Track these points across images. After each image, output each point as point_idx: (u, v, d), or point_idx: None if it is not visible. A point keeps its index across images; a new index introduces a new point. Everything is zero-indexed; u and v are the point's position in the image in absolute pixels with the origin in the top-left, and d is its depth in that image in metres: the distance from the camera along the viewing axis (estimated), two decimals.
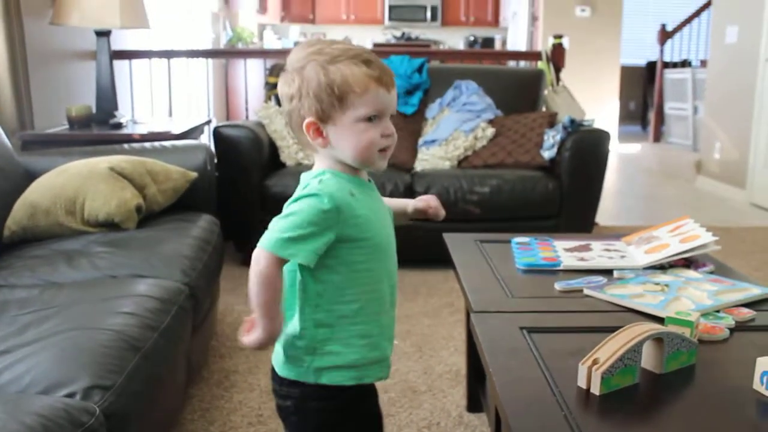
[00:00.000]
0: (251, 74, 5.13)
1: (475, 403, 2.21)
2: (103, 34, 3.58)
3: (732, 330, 1.45)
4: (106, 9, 3.39)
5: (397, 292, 1.35)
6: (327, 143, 1.23)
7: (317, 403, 1.27)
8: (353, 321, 1.25)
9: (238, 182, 3.56)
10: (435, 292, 3.29)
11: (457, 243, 2.13)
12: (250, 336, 1.21)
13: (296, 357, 1.27)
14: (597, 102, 7.81)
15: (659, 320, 1.43)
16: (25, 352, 1.50)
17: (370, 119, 1.22)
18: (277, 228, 1.18)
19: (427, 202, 1.49)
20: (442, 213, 1.49)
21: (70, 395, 1.37)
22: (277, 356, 1.32)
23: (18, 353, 1.49)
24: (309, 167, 3.90)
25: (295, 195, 1.22)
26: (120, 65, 4.18)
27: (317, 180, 1.23)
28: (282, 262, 1.19)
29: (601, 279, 1.74)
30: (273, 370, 1.33)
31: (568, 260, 1.90)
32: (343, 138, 1.22)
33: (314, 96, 1.19)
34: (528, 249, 2.02)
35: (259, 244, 1.19)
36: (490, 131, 3.91)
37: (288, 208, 1.21)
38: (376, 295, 1.27)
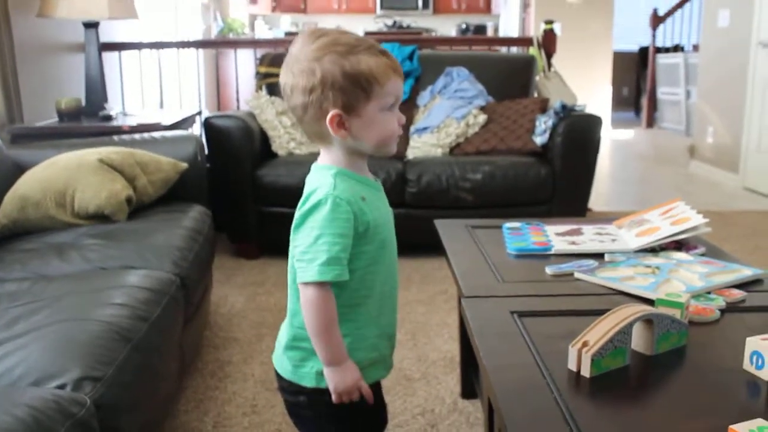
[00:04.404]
0: (242, 64, 5.11)
1: (469, 390, 2.21)
2: (91, 25, 3.57)
3: (723, 311, 1.45)
4: (94, 0, 3.36)
5: (398, 292, 1.35)
6: (348, 135, 1.21)
7: (330, 397, 1.27)
8: (356, 324, 1.26)
9: (230, 173, 3.55)
10: (429, 280, 3.29)
11: (448, 229, 2.12)
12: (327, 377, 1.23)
13: (299, 360, 1.28)
14: (589, 88, 7.80)
15: (650, 302, 1.43)
16: (15, 344, 1.49)
17: (389, 108, 1.22)
18: (313, 256, 1.17)
19: None
20: None
21: (61, 387, 1.36)
22: (278, 358, 1.33)
23: (8, 346, 1.49)
24: (300, 157, 3.86)
25: (311, 201, 1.20)
26: (109, 57, 4.16)
27: (331, 183, 1.21)
28: (327, 284, 1.18)
29: (592, 262, 1.74)
30: (275, 368, 1.34)
31: (560, 244, 1.90)
32: (368, 128, 1.21)
33: (340, 87, 1.18)
34: (519, 234, 2.01)
35: (302, 280, 1.19)
36: (482, 118, 3.90)
37: (309, 223, 1.19)
38: (376, 298, 1.28)
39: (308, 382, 1.27)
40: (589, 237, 1.97)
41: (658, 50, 9.04)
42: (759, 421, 0.92)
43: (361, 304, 1.26)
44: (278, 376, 1.34)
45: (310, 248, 1.17)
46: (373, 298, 1.27)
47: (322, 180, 1.23)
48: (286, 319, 1.32)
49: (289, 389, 1.31)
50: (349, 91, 1.18)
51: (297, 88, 1.20)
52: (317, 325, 1.20)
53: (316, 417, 1.31)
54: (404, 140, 3.91)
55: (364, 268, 1.24)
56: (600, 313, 1.26)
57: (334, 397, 1.24)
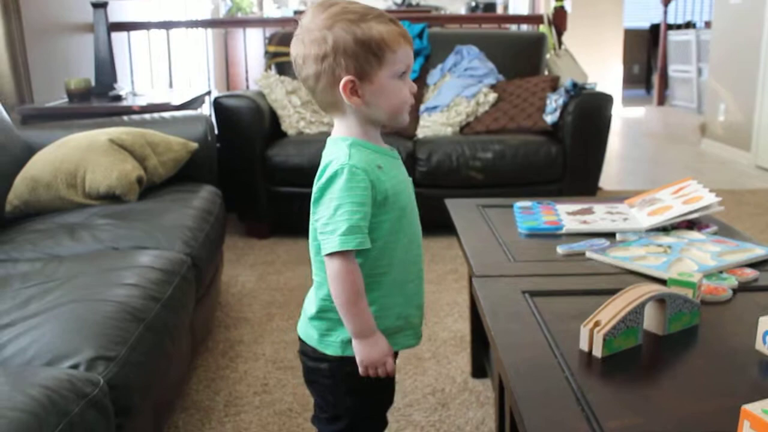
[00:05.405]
0: (251, 44, 5.09)
1: (479, 369, 2.22)
2: (100, 5, 3.56)
3: (735, 290, 1.44)
4: None
5: (423, 260, 1.36)
6: (362, 102, 1.22)
7: (352, 368, 1.28)
8: (380, 293, 1.26)
9: (240, 152, 3.55)
10: (439, 260, 3.29)
11: (458, 208, 2.12)
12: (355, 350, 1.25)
13: (325, 329, 1.29)
14: (600, 66, 7.74)
15: (662, 282, 1.42)
16: (28, 324, 1.50)
17: (400, 76, 1.23)
18: (334, 227, 1.17)
19: None
20: None
21: (74, 366, 1.37)
22: (304, 325, 1.34)
23: (21, 326, 1.50)
24: (310, 136, 3.84)
25: (328, 173, 1.20)
26: (118, 37, 4.15)
27: (346, 153, 1.21)
28: (350, 254, 1.19)
29: (603, 242, 1.74)
30: (299, 335, 1.36)
31: (571, 224, 1.89)
32: (380, 96, 1.22)
33: (352, 53, 1.18)
34: (530, 213, 2.01)
35: (325, 252, 1.19)
36: (492, 96, 3.88)
37: (328, 195, 1.19)
38: (399, 266, 1.28)
39: (333, 351, 1.29)
40: (601, 216, 1.96)
41: (670, 27, 8.96)
42: None
43: (385, 273, 1.26)
44: (302, 342, 1.35)
45: (330, 219, 1.18)
46: (395, 266, 1.27)
47: (338, 152, 1.23)
48: (312, 290, 1.33)
49: (312, 355, 1.32)
50: (361, 57, 1.18)
51: (309, 57, 1.20)
52: (344, 297, 1.21)
53: (335, 386, 1.32)
54: (414, 119, 3.90)
55: (384, 237, 1.24)
56: (612, 292, 1.25)
57: (360, 369, 1.25)
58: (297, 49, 1.23)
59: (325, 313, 1.28)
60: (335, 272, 1.20)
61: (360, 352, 1.24)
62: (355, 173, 1.18)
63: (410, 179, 1.34)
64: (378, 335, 1.24)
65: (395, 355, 1.38)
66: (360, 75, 1.19)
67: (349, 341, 1.26)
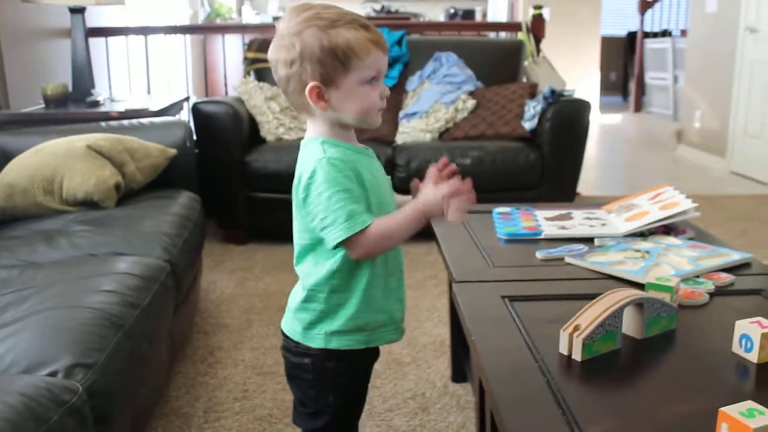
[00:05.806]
0: (230, 50, 5.08)
1: (459, 373, 2.23)
2: (78, 11, 3.53)
3: (712, 295, 1.46)
4: None
5: (402, 254, 1.37)
6: (328, 107, 1.24)
7: (335, 363, 1.30)
8: (364, 286, 1.28)
9: (219, 159, 3.53)
10: (419, 265, 3.30)
11: None
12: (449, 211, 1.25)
13: (308, 322, 1.30)
14: (578, 73, 7.79)
15: (640, 286, 1.44)
16: (5, 332, 1.48)
17: (369, 81, 1.24)
18: (334, 217, 1.18)
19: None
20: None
21: (53, 374, 1.36)
22: (288, 320, 1.35)
23: None
24: (289, 142, 3.84)
25: (307, 172, 1.21)
26: (96, 42, 4.12)
27: (320, 150, 1.23)
28: (358, 234, 1.19)
29: (582, 247, 1.75)
30: (283, 330, 1.37)
31: (550, 229, 1.90)
32: (346, 101, 1.24)
33: (318, 60, 1.20)
34: (509, 219, 2.02)
35: (334, 242, 1.19)
36: (471, 103, 3.90)
37: (314, 192, 1.20)
38: (383, 258, 1.29)
39: (317, 344, 1.29)
40: (579, 221, 1.98)
41: (647, 35, 9.06)
42: (749, 404, 0.93)
43: (365, 266, 1.27)
44: (285, 337, 1.36)
45: (327, 212, 1.19)
46: (377, 259, 1.28)
47: (312, 151, 1.25)
48: (298, 283, 1.34)
49: (295, 350, 1.33)
50: (327, 64, 1.20)
51: (280, 61, 1.23)
52: (391, 244, 1.24)
53: (317, 380, 1.33)
54: (393, 125, 3.91)
55: None
56: (590, 297, 1.26)
57: (453, 214, 1.25)
58: (272, 53, 1.26)
59: (310, 304, 1.29)
60: (362, 252, 1.21)
61: (431, 212, 1.26)
62: (334, 164, 1.20)
63: (388, 177, 1.37)
64: (415, 204, 1.25)
65: (377, 353, 1.39)
66: (326, 81, 1.21)
67: (333, 333, 1.28)
